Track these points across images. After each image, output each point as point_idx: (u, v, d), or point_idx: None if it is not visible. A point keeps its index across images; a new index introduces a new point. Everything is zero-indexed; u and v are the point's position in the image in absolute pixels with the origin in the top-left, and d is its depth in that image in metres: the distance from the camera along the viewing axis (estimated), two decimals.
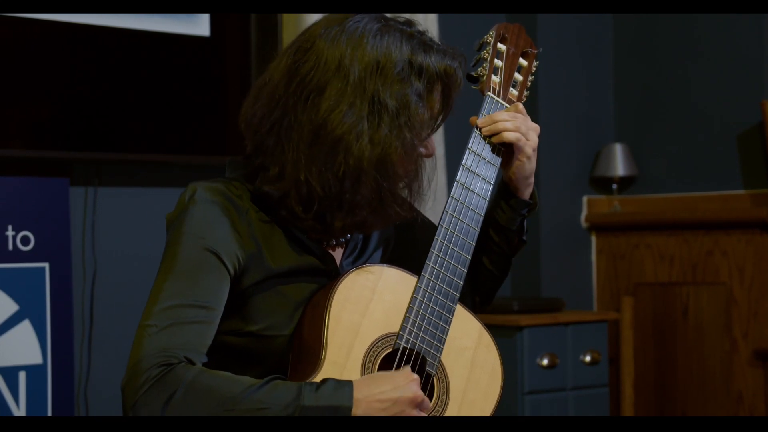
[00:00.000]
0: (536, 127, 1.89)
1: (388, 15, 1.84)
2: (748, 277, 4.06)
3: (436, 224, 1.88)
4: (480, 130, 1.86)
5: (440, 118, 1.82)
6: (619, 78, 4.49)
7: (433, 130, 1.82)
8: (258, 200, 1.77)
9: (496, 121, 1.85)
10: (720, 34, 4.18)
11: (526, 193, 1.92)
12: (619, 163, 4.34)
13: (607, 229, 4.44)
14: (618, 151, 4.35)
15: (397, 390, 1.65)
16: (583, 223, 4.46)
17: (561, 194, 4.38)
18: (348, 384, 1.63)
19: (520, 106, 1.88)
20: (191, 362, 1.63)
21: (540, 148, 4.41)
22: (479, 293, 2.01)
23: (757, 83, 4.07)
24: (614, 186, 4.41)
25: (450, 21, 4.02)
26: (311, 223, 1.76)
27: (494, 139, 1.85)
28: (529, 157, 1.87)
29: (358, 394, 1.63)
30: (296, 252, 1.78)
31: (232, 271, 1.71)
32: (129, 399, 1.60)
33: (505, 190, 1.93)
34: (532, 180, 1.91)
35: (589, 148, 4.44)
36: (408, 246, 1.96)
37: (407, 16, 4.07)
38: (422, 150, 1.81)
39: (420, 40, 1.78)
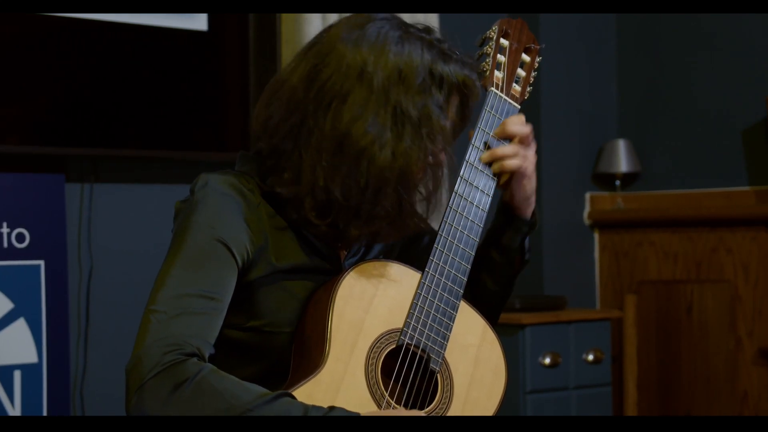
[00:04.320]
0: (534, 144, 1.87)
1: (407, 20, 1.83)
2: (753, 274, 4.04)
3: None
4: (485, 125, 1.84)
5: (457, 130, 1.80)
6: (622, 73, 4.48)
7: (452, 141, 1.80)
8: (270, 199, 1.76)
9: (497, 150, 1.83)
10: (724, 29, 4.17)
11: (527, 212, 1.90)
12: (622, 160, 4.33)
13: (610, 227, 4.43)
14: (621, 147, 4.34)
15: None
16: (586, 220, 4.45)
17: (563, 191, 4.37)
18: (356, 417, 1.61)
19: (522, 117, 1.85)
20: (202, 353, 1.61)
21: (542, 145, 4.38)
22: (484, 313, 1.96)
23: (762, 78, 4.06)
24: (617, 182, 4.40)
25: (451, 21, 4.00)
26: (324, 230, 1.75)
27: (494, 168, 1.82)
28: (529, 178, 1.86)
29: None
30: (303, 250, 1.77)
31: (240, 262, 1.70)
32: (135, 382, 1.57)
33: (504, 209, 1.92)
34: (533, 199, 1.90)
35: (591, 144, 4.43)
36: (412, 259, 1.94)
37: (407, 16, 4.08)
38: (430, 158, 1.79)
39: (440, 49, 1.76)
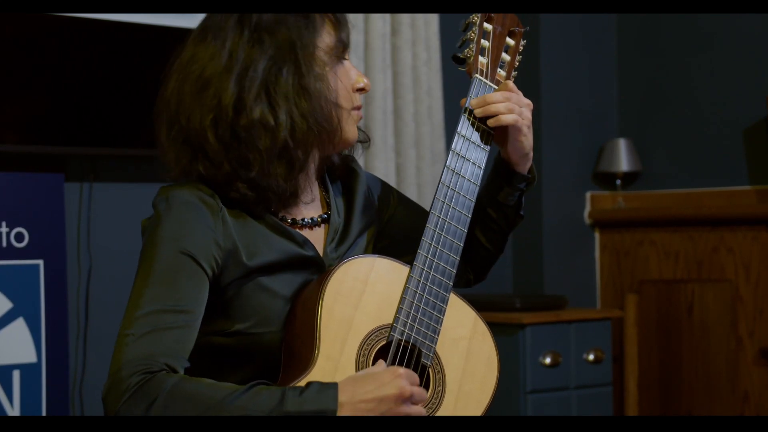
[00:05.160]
0: (529, 102, 1.86)
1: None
2: (754, 274, 4.02)
3: (416, 202, 1.93)
4: (469, 114, 1.83)
5: (343, 47, 1.80)
6: (623, 72, 4.46)
7: (341, 56, 1.80)
8: (232, 200, 1.75)
9: (489, 104, 1.82)
10: (724, 28, 4.15)
11: (525, 168, 1.90)
12: (623, 159, 4.32)
13: (611, 226, 4.41)
14: (622, 146, 4.33)
15: (382, 388, 1.62)
16: (587, 220, 4.43)
17: (564, 190, 4.35)
18: (332, 386, 1.60)
19: (510, 83, 1.85)
20: (172, 368, 1.61)
21: (543, 143, 4.37)
22: (473, 270, 2.00)
23: (763, 77, 4.04)
24: (618, 182, 4.39)
25: (451, 21, 4.00)
26: (241, 186, 1.73)
27: (490, 123, 1.83)
28: (525, 135, 1.85)
29: (342, 396, 1.60)
30: (276, 245, 1.75)
31: (209, 272, 1.69)
32: (110, 408, 1.58)
33: (502, 166, 1.90)
34: (531, 155, 1.89)
35: (592, 143, 4.42)
36: (392, 227, 1.96)
37: (407, 16, 4.05)
38: (357, 83, 1.81)
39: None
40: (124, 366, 1.58)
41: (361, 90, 1.82)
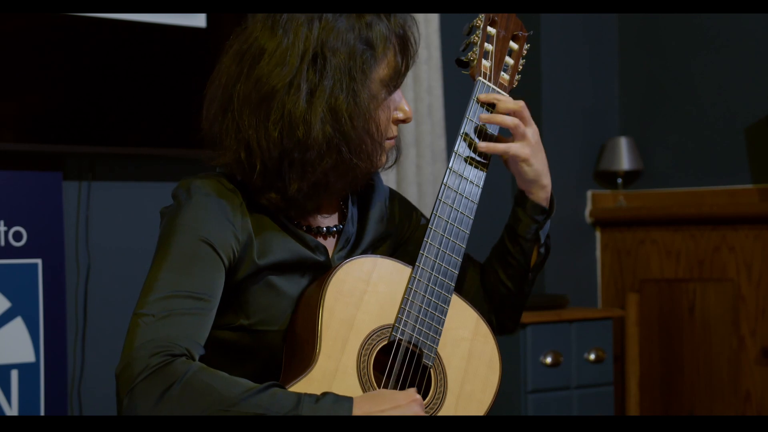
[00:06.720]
0: (535, 129, 1.85)
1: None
2: (756, 273, 4.02)
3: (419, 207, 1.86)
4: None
5: (399, 78, 1.78)
6: (624, 70, 4.46)
7: (394, 88, 1.78)
8: (251, 197, 1.75)
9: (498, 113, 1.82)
10: (726, 26, 4.15)
11: (539, 197, 1.88)
12: (624, 157, 4.31)
13: (612, 225, 4.41)
14: (623, 144, 4.32)
15: (397, 410, 1.61)
16: (588, 219, 4.43)
17: (565, 189, 4.35)
18: (348, 400, 1.60)
19: (522, 103, 1.83)
20: (191, 354, 1.60)
21: (544, 142, 4.35)
22: (496, 314, 1.95)
23: (765, 76, 4.04)
24: (619, 180, 4.38)
25: (451, 21, 3.99)
26: (273, 197, 1.74)
27: (480, 147, 1.81)
28: (527, 162, 1.83)
29: (357, 410, 1.59)
30: (288, 245, 1.76)
31: (227, 262, 1.70)
32: (124, 386, 1.56)
33: (520, 195, 1.90)
34: (544, 183, 1.87)
35: (593, 141, 4.41)
36: (411, 245, 1.94)
37: (407, 16, 4.04)
38: (397, 114, 1.79)
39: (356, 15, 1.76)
40: (144, 345, 1.57)
41: (400, 121, 1.80)
